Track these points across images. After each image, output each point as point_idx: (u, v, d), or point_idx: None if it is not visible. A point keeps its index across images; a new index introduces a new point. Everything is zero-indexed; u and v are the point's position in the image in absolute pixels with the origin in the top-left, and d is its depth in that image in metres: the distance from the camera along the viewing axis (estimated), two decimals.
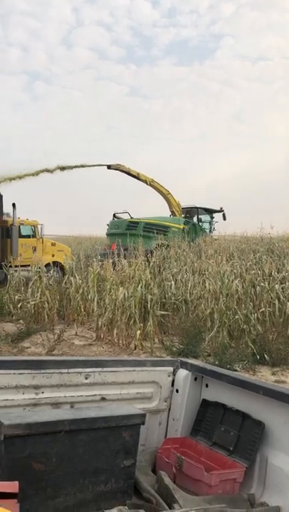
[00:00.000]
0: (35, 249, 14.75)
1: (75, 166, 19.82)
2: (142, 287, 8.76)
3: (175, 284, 10.12)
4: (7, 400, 2.30)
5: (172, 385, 2.86)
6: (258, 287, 9.29)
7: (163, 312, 9.08)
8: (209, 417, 2.76)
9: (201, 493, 2.35)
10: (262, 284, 9.32)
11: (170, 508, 2.17)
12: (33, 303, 9.91)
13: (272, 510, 2.25)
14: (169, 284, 10.13)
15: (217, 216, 20.76)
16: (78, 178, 21.91)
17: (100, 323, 8.73)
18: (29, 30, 77.70)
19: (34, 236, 15.45)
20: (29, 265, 11.56)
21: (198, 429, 2.79)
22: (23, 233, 15.13)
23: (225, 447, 2.60)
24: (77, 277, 10.62)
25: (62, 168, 19.47)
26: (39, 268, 10.70)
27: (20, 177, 18.36)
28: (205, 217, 20.90)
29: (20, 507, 1.60)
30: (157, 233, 16.25)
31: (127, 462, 2.28)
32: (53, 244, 16.15)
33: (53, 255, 15.27)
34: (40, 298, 10.05)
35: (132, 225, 17.69)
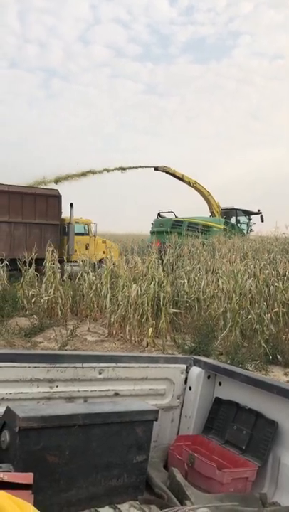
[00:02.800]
0: (87, 246, 15.79)
1: (129, 168, 22.24)
2: (154, 285, 8.76)
3: (188, 282, 10.11)
4: (22, 392, 2.32)
5: (185, 382, 2.86)
6: (271, 287, 9.22)
7: (175, 310, 9.08)
8: (222, 415, 2.75)
9: (213, 490, 2.35)
10: (276, 284, 9.24)
11: (181, 505, 2.17)
12: (46, 298, 9.99)
13: (284, 510, 2.24)
14: (182, 282, 10.12)
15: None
16: (118, 179, 23.16)
17: (112, 319, 8.76)
18: (47, 27, 78.11)
19: (87, 234, 16.60)
20: (76, 261, 12.30)
21: (210, 427, 2.79)
22: (77, 231, 16.24)
23: (237, 446, 2.59)
24: (91, 274, 10.68)
25: (122, 169, 22.22)
26: (53, 264, 10.76)
27: (79, 175, 21.41)
28: (243, 219, 21.72)
29: (34, 498, 1.62)
30: (199, 232, 17.26)
31: (139, 458, 2.29)
32: (104, 242, 17.00)
33: (104, 252, 15.76)
34: (54, 293, 10.12)
35: (177, 223, 18.80)
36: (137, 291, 8.64)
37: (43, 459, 2.01)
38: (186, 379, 2.86)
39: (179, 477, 2.34)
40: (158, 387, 2.77)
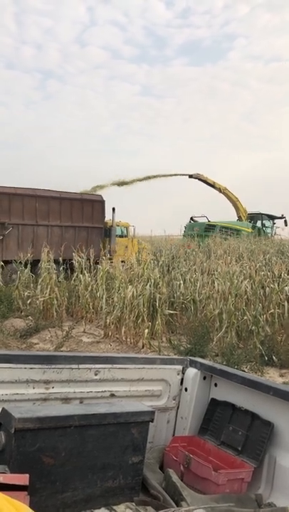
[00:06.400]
0: (126, 248, 16.84)
1: (168, 175, 24.90)
2: (150, 286, 8.76)
3: (184, 283, 10.11)
4: (18, 394, 2.32)
5: (181, 383, 2.86)
6: (267, 288, 9.25)
7: (171, 311, 9.09)
8: (218, 417, 2.76)
9: (209, 491, 2.35)
10: (271, 285, 9.28)
11: (177, 506, 2.17)
12: (42, 299, 9.97)
13: (279, 511, 2.25)
14: (178, 283, 10.12)
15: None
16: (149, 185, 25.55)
17: (108, 320, 8.75)
18: (43, 29, 77.96)
19: (126, 236, 17.94)
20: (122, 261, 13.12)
21: (206, 428, 2.79)
22: (117, 233, 17.58)
23: (233, 447, 2.59)
24: (86, 275, 10.67)
25: (161, 176, 24.80)
26: (48, 265, 10.75)
27: (126, 183, 24.44)
28: (267, 223, 23.21)
29: (30, 500, 1.62)
30: (230, 235, 18.64)
31: (135, 459, 2.29)
32: (139, 243, 17.83)
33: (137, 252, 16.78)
34: (50, 294, 10.10)
35: (210, 227, 20.87)
36: (133, 293, 8.64)
37: (38, 461, 2.00)
38: (182, 380, 2.86)
39: (175, 478, 2.34)
40: (154, 388, 2.77)
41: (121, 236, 17.64)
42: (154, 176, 24.92)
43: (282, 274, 9.71)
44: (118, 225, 17.61)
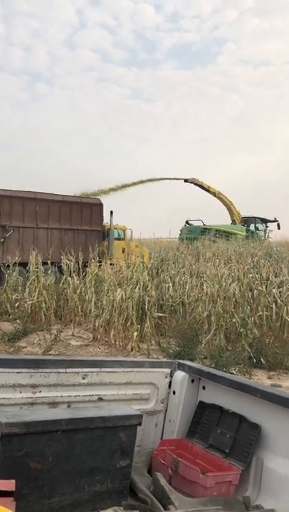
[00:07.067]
0: (123, 250, 16.75)
1: (161, 179, 25.30)
2: (139, 289, 8.76)
3: (173, 286, 10.13)
4: (4, 398, 2.30)
5: (169, 386, 2.86)
6: (255, 291, 9.32)
7: (160, 314, 9.09)
8: (206, 419, 2.76)
9: (197, 495, 2.35)
10: (259, 287, 9.34)
11: (165, 510, 2.17)
12: (30, 302, 9.91)
13: None
14: (167, 286, 10.14)
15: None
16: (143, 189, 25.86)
17: (97, 324, 8.72)
18: (32, 31, 77.50)
19: (123, 239, 17.98)
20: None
21: (194, 431, 2.79)
22: (115, 236, 17.61)
23: (221, 449, 2.60)
24: (75, 278, 10.63)
25: (158, 180, 25.26)
26: (37, 268, 10.70)
27: (123, 187, 24.57)
28: (260, 226, 23.64)
29: (16, 505, 1.60)
30: (224, 238, 19.06)
31: (123, 462, 2.28)
32: (137, 246, 18.04)
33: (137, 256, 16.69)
34: (38, 298, 10.05)
35: (205, 230, 21.20)
36: (122, 295, 8.62)
37: (25, 466, 1.99)
38: (170, 383, 2.86)
39: (163, 482, 2.33)
40: (142, 391, 2.76)
41: (118, 239, 17.84)
42: (150, 180, 25.30)
43: (270, 277, 9.79)
44: (116, 228, 17.83)
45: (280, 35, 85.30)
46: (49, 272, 11.27)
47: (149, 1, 78.98)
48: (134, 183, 25.24)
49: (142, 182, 25.31)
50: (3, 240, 14.61)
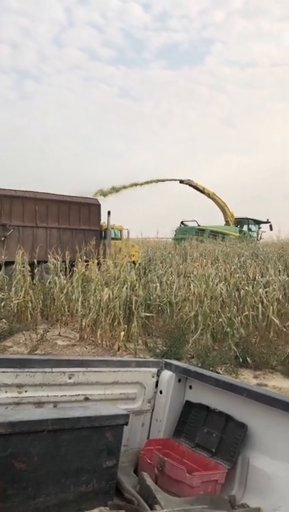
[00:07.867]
0: (120, 250, 16.73)
1: (157, 181, 25.57)
2: (127, 288, 8.75)
3: (160, 286, 10.14)
4: None
5: (156, 386, 2.86)
6: (242, 291, 9.37)
7: (147, 314, 9.08)
8: (192, 419, 2.76)
9: (183, 494, 2.35)
10: (246, 287, 9.40)
11: (151, 509, 2.16)
12: (16, 302, 9.83)
13: None
14: (154, 285, 10.15)
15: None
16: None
17: (83, 323, 8.69)
18: (20, 29, 76.88)
19: (120, 238, 18.37)
20: None
21: (181, 431, 2.79)
22: (112, 236, 17.92)
23: (207, 449, 2.60)
24: (62, 277, 10.58)
25: (154, 182, 25.59)
26: (23, 267, 10.62)
27: (124, 188, 24.82)
28: (253, 227, 23.98)
29: (0, 506, 1.58)
30: (218, 239, 19.33)
31: (109, 463, 2.27)
32: (132, 246, 18.39)
33: (133, 255, 16.83)
34: (24, 297, 9.97)
35: (200, 231, 21.68)
36: (109, 295, 8.61)
37: (10, 466, 1.96)
38: (157, 383, 2.86)
39: (149, 481, 2.33)
40: (129, 391, 2.75)
41: (115, 238, 18.09)
42: (146, 182, 25.63)
43: (257, 277, 9.85)
44: (112, 228, 18.04)
45: (268, 37, 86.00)
46: (36, 270, 11.21)
47: (137, 0, 79.09)
48: (147, 182, 25.70)
49: (150, 182, 25.79)
50: (3, 238, 14.69)
